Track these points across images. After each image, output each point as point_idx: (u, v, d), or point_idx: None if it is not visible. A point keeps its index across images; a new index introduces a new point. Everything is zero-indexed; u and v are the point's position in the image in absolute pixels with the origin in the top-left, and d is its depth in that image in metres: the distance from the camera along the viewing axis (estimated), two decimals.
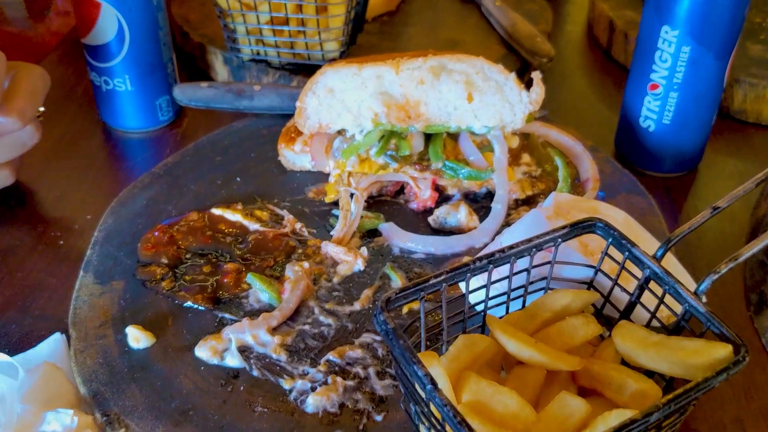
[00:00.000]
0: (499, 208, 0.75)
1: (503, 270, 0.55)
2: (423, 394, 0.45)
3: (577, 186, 0.81)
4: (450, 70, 0.75)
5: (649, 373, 0.53)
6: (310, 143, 0.79)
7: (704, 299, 0.59)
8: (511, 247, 0.54)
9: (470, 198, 0.80)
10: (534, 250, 0.55)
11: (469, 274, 0.53)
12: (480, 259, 0.53)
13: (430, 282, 0.51)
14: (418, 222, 0.78)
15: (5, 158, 0.77)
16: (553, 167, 0.81)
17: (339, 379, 0.60)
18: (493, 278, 0.55)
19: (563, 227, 0.56)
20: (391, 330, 0.46)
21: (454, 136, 0.80)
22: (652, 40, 0.84)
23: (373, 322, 0.61)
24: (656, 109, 0.87)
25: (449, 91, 0.75)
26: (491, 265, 0.53)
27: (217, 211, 0.74)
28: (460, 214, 0.75)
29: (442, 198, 0.79)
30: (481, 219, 0.76)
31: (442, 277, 0.51)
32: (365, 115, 0.76)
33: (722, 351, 0.48)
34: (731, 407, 0.66)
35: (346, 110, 0.76)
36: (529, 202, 0.79)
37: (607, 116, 1.04)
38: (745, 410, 0.66)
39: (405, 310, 0.67)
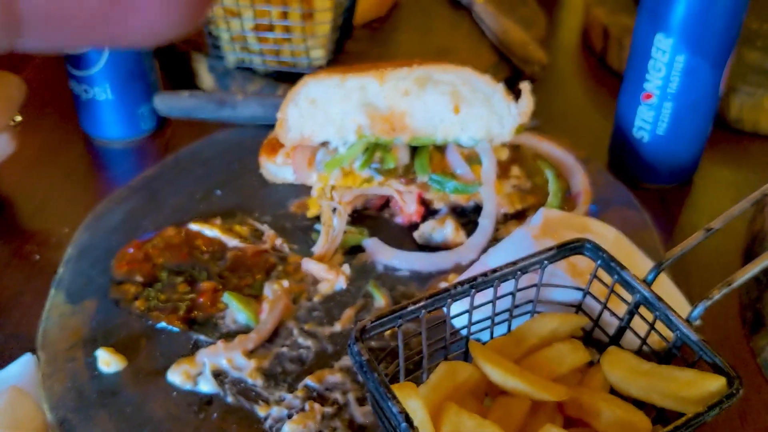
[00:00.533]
0: (486, 223, 0.73)
1: (488, 293, 0.53)
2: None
3: (568, 199, 0.78)
4: (436, 81, 0.72)
5: (639, 402, 0.50)
6: (293, 155, 0.77)
7: (699, 321, 0.57)
8: (494, 271, 0.51)
9: (457, 212, 0.78)
10: (519, 273, 0.52)
11: (450, 300, 0.50)
12: (462, 283, 0.50)
13: (409, 309, 0.48)
14: (404, 237, 0.75)
15: None
16: (544, 180, 0.78)
17: (317, 405, 0.57)
18: (477, 302, 0.53)
19: (550, 249, 0.53)
20: (365, 362, 0.44)
21: (440, 149, 0.77)
22: (645, 48, 0.81)
23: (348, 349, 0.58)
24: (650, 119, 0.84)
25: (435, 102, 0.73)
26: (473, 290, 0.51)
27: (194, 227, 0.72)
28: (447, 230, 0.73)
29: (429, 212, 0.77)
30: (469, 234, 0.74)
31: (421, 303, 0.49)
32: (349, 127, 0.73)
33: (715, 383, 0.46)
34: (726, 431, 0.64)
35: (328, 122, 0.74)
36: (519, 216, 0.77)
37: (602, 125, 1.01)
38: None
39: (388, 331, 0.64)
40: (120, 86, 0.90)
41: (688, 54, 0.78)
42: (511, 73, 1.02)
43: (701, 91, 0.81)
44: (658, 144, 0.85)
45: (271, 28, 0.93)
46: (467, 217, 0.77)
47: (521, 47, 1.01)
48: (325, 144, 0.76)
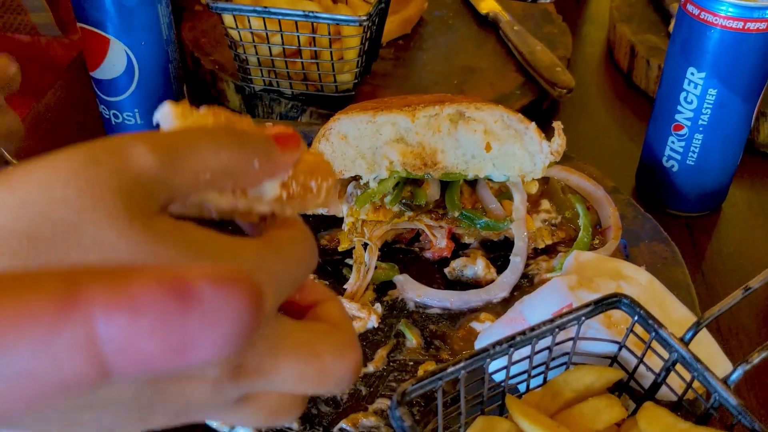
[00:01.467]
0: (518, 261, 0.73)
1: (525, 348, 0.53)
2: None
3: (598, 232, 0.78)
4: (468, 118, 0.72)
5: None
6: None
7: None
8: (532, 329, 0.52)
9: (487, 245, 0.78)
10: (557, 330, 0.53)
11: (489, 359, 0.51)
12: (500, 342, 0.51)
13: (449, 370, 0.49)
14: (433, 272, 0.76)
15: None
16: (573, 213, 0.78)
17: None
18: (515, 358, 0.53)
19: (587, 305, 0.54)
20: (408, 428, 0.44)
21: (471, 183, 0.77)
22: (677, 80, 0.81)
23: (389, 416, 0.59)
24: (680, 149, 0.84)
25: (467, 140, 0.73)
26: (512, 348, 0.51)
27: None
28: (478, 267, 0.73)
29: (458, 245, 0.77)
30: (499, 270, 0.74)
31: (461, 365, 0.49)
32: (380, 163, 0.74)
33: None
34: None
35: (360, 157, 0.74)
36: (549, 251, 0.77)
37: (628, 148, 1.01)
38: None
39: (420, 371, 0.65)
40: (149, 112, 0.90)
41: (720, 88, 0.78)
42: (537, 94, 1.02)
43: (733, 123, 0.81)
44: (688, 174, 0.85)
45: (299, 53, 0.93)
46: (497, 252, 0.78)
47: (548, 70, 1.00)
48: (356, 178, 0.77)
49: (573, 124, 1.06)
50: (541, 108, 1.04)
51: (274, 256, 0.33)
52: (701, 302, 0.74)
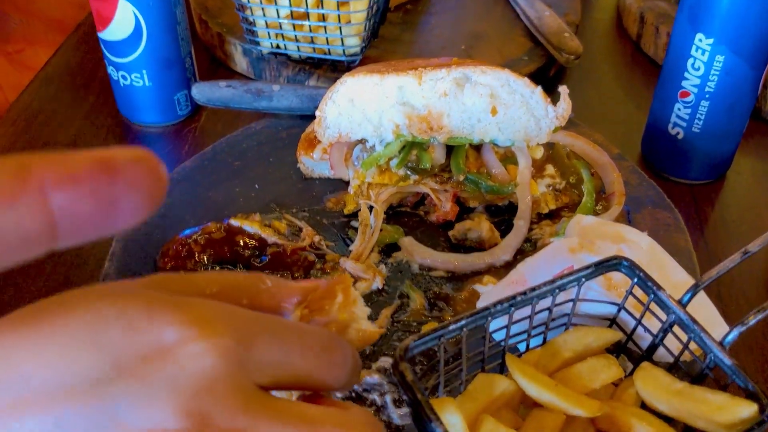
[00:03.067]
0: (521, 224, 0.74)
1: (525, 308, 0.54)
2: None
3: (602, 198, 0.79)
4: (474, 82, 0.72)
5: (667, 419, 0.52)
6: (330, 151, 0.78)
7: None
8: (533, 289, 0.53)
9: (491, 210, 0.79)
10: (557, 291, 0.54)
11: (489, 318, 0.52)
12: (501, 302, 0.52)
13: (450, 328, 0.50)
14: (438, 235, 0.76)
15: None
16: (577, 179, 0.79)
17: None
18: (516, 318, 0.54)
19: (587, 267, 0.55)
20: (409, 383, 0.46)
21: (476, 147, 0.78)
22: (685, 47, 0.81)
23: (391, 373, 0.60)
24: (686, 116, 0.84)
25: (473, 103, 0.73)
26: (513, 308, 0.52)
27: (235, 222, 0.74)
28: (482, 230, 0.74)
29: (463, 210, 0.78)
30: (502, 234, 0.75)
31: (463, 322, 0.50)
32: (386, 126, 0.74)
33: (747, 410, 0.47)
34: None
35: (366, 120, 0.74)
36: (552, 215, 0.78)
37: (635, 114, 1.01)
38: None
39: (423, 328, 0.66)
40: (157, 73, 0.91)
41: (727, 54, 0.78)
42: (545, 60, 1.02)
43: (739, 90, 0.81)
44: (693, 141, 0.85)
45: (306, 15, 0.93)
46: (501, 216, 0.78)
47: (556, 35, 1.00)
48: (362, 141, 0.77)
49: (580, 91, 1.06)
50: (548, 74, 1.04)
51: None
52: (702, 268, 0.75)
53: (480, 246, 0.75)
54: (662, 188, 0.83)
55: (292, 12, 0.93)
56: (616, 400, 0.55)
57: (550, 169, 0.79)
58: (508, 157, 0.78)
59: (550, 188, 0.78)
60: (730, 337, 0.50)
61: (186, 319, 0.35)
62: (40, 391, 0.33)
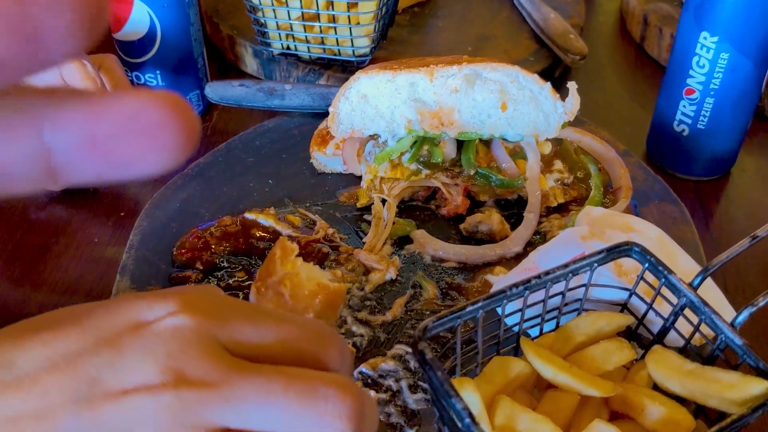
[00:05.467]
0: (531, 217, 0.75)
1: (539, 293, 0.56)
2: (460, 425, 0.45)
3: (609, 193, 0.80)
4: (485, 79, 0.74)
5: (680, 399, 0.53)
6: (342, 147, 0.79)
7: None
8: (547, 273, 0.54)
9: (501, 203, 0.80)
10: (570, 275, 0.55)
11: (505, 301, 0.53)
12: (516, 285, 0.53)
13: (467, 309, 0.51)
14: (449, 229, 0.78)
15: None
16: (585, 174, 0.80)
17: (372, 392, 0.61)
18: (530, 302, 0.56)
19: (599, 252, 0.56)
20: (428, 361, 0.47)
21: (486, 142, 0.79)
22: (690, 45, 0.82)
23: (411, 347, 0.62)
24: (691, 113, 0.86)
25: (483, 99, 0.75)
26: (527, 291, 0.54)
27: (250, 216, 0.75)
28: (492, 223, 0.75)
29: (474, 204, 0.79)
30: (513, 227, 0.76)
31: (479, 304, 0.51)
32: (398, 122, 0.76)
33: (758, 387, 0.48)
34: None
35: (379, 116, 0.76)
36: (561, 209, 0.79)
37: (640, 114, 1.02)
38: None
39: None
40: (170, 74, 0.92)
41: (732, 52, 0.80)
42: (550, 61, 1.03)
43: (744, 88, 0.83)
44: (698, 138, 0.87)
45: (317, 17, 0.95)
46: (511, 209, 0.80)
47: (562, 37, 1.02)
48: (374, 137, 0.79)
49: (585, 92, 1.07)
50: (553, 75, 1.06)
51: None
52: (709, 260, 0.76)
53: (491, 238, 0.76)
54: (668, 184, 0.84)
55: (303, 13, 0.95)
56: (628, 383, 0.56)
57: (558, 164, 0.80)
58: (517, 152, 0.79)
59: (559, 183, 0.79)
60: (740, 318, 0.52)
61: (170, 301, 0.38)
62: (23, 373, 0.35)
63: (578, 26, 1.10)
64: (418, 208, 0.80)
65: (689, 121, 0.86)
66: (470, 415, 0.44)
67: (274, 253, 0.49)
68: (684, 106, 0.86)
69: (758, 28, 0.78)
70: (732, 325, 0.52)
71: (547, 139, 0.81)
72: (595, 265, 0.56)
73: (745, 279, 0.78)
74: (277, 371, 0.38)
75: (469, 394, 0.50)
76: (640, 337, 0.60)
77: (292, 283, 0.49)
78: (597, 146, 0.82)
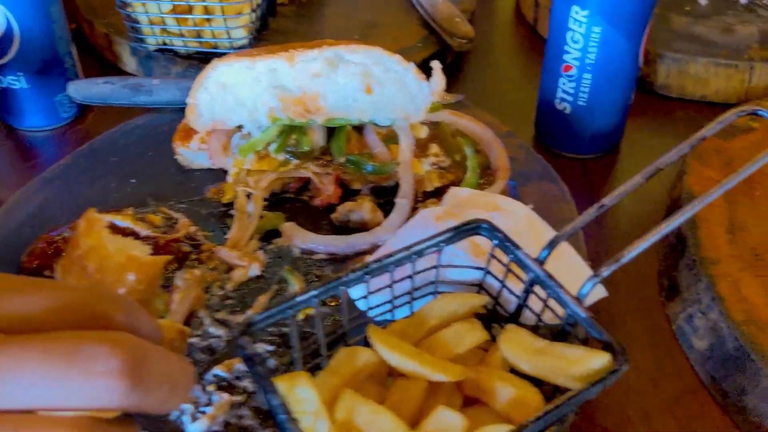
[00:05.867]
0: (404, 203, 0.73)
1: (384, 278, 0.53)
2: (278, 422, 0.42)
3: (489, 174, 0.78)
4: (347, 62, 0.71)
5: (538, 380, 0.51)
6: (208, 140, 0.76)
7: (600, 295, 0.58)
8: (388, 256, 0.51)
9: (377, 191, 0.77)
10: (415, 257, 0.53)
11: (343, 287, 0.50)
12: (355, 270, 0.50)
13: (299, 299, 0.48)
14: (321, 219, 0.75)
15: None
16: (463, 157, 0.78)
17: (225, 395, 0.57)
18: (376, 286, 0.53)
19: (447, 231, 0.53)
20: (248, 356, 0.44)
21: (359, 129, 0.77)
22: (563, 20, 0.81)
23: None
24: (571, 90, 0.84)
25: (347, 83, 0.72)
26: (368, 275, 0.51)
27: (106, 218, 0.71)
28: (364, 211, 0.73)
29: (349, 192, 0.76)
30: (387, 214, 0.74)
31: (313, 293, 0.48)
32: (261, 111, 0.72)
33: (600, 360, 0.46)
34: (638, 398, 0.65)
35: (240, 106, 0.73)
36: (438, 193, 0.77)
37: (531, 97, 1.01)
38: (652, 401, 0.65)
39: (302, 315, 0.64)
40: (34, 75, 0.88)
41: (604, 25, 0.78)
42: (439, 47, 1.01)
43: (619, 61, 0.82)
44: (580, 115, 0.86)
45: (189, 9, 0.91)
46: (387, 197, 0.77)
47: (448, 20, 1.00)
48: (239, 128, 0.75)
49: (479, 76, 1.06)
50: (445, 61, 1.04)
51: None
52: (589, 238, 0.75)
53: (364, 227, 0.73)
54: (555, 164, 0.83)
55: (174, 6, 0.91)
56: (485, 365, 0.53)
57: (434, 147, 0.78)
58: (392, 138, 0.77)
59: (435, 166, 0.77)
60: (584, 290, 0.50)
61: None
62: None
63: (469, 11, 1.08)
64: (289, 200, 0.77)
65: (570, 98, 0.85)
66: (286, 411, 0.41)
67: (78, 225, 0.45)
68: (563, 84, 0.85)
69: (625, 0, 0.77)
70: (577, 298, 0.50)
71: (423, 123, 0.78)
72: (443, 245, 0.53)
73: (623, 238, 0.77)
74: (34, 338, 0.33)
75: (304, 389, 0.46)
76: (500, 315, 0.58)
77: (99, 256, 0.45)
78: (474, 128, 0.80)
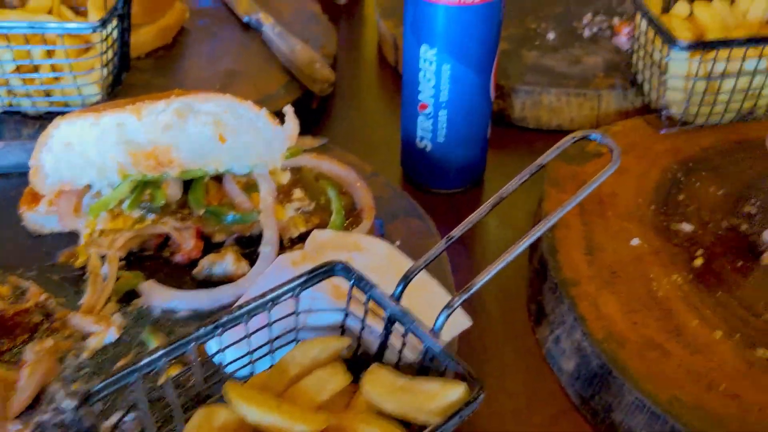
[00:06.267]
0: (268, 250, 0.71)
1: (240, 330, 0.51)
2: None
3: (353, 214, 0.78)
4: (197, 112, 0.70)
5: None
6: (57, 202, 0.72)
7: (468, 317, 0.58)
8: (240, 306, 0.50)
9: (243, 242, 0.76)
10: (270, 304, 0.51)
11: (193, 343, 0.48)
12: (205, 325, 0.48)
13: (145, 361, 0.45)
14: (185, 276, 0.72)
15: None
16: (328, 200, 0.78)
17: None
18: (232, 340, 0.51)
19: (302, 275, 0.53)
20: (86, 430, 0.41)
21: (217, 179, 0.75)
22: (414, 59, 0.83)
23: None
24: (429, 128, 0.86)
25: (199, 133, 0.70)
26: (220, 329, 0.49)
27: None
28: (227, 262, 0.71)
29: (212, 246, 0.74)
30: (253, 264, 0.72)
31: (160, 353, 0.46)
32: (110, 167, 0.70)
33: (456, 391, 0.46)
34: (514, 423, 0.65)
35: (88, 164, 0.70)
36: (304, 238, 0.76)
37: (397, 136, 1.03)
38: (527, 425, 0.65)
39: (164, 378, 0.61)
40: None
41: (453, 62, 0.81)
42: (302, 92, 1.02)
43: (471, 97, 0.84)
44: (441, 151, 0.87)
45: (35, 68, 0.87)
46: (253, 247, 0.75)
47: (308, 66, 1.00)
48: (89, 187, 0.72)
49: (344, 118, 1.07)
50: (310, 107, 1.04)
51: None
52: (457, 270, 0.76)
53: (229, 280, 0.71)
54: (423, 200, 0.84)
55: (18, 66, 0.87)
56: (351, 409, 0.52)
57: (298, 192, 0.77)
58: (253, 186, 0.76)
59: (300, 211, 0.76)
60: (438, 323, 0.50)
61: None
62: None
63: (330, 55, 1.09)
64: (150, 258, 0.74)
65: (429, 135, 0.87)
66: None
67: None
68: (422, 122, 0.86)
69: (472, 36, 0.80)
70: (432, 331, 0.50)
71: (285, 168, 0.78)
72: (299, 289, 0.52)
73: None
74: None
75: None
76: (366, 357, 0.57)
77: None
78: (337, 170, 0.80)
